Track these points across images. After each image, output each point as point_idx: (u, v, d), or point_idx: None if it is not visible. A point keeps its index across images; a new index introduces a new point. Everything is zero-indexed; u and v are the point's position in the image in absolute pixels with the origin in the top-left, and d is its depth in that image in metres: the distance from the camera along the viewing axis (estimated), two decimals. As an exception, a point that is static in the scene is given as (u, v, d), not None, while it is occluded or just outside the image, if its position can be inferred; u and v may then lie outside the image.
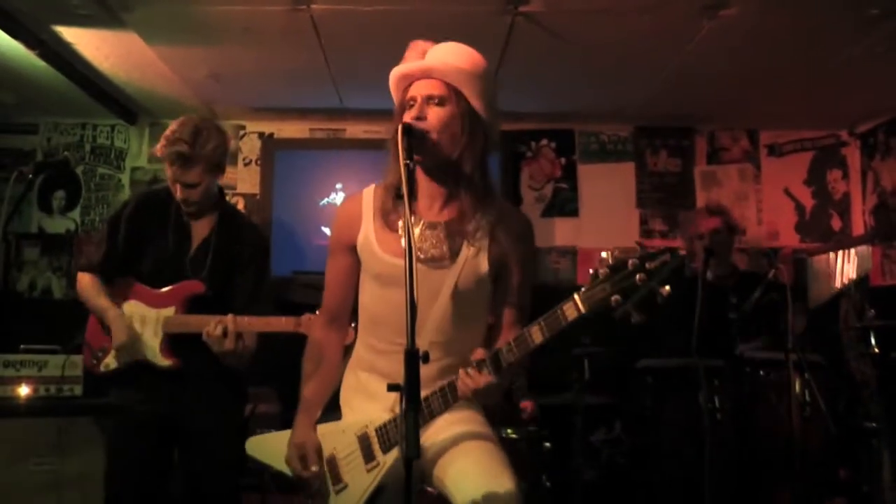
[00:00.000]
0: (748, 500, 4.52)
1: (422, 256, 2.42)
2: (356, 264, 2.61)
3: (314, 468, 2.51)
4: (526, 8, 4.20)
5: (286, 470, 2.61)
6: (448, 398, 2.35)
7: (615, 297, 2.01)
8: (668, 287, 1.98)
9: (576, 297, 2.09)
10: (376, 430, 2.47)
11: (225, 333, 3.40)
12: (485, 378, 2.22)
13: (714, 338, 4.41)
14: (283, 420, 4.80)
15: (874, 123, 6.13)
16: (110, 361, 3.61)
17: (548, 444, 4.44)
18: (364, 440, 2.49)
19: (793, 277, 4.33)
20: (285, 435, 2.66)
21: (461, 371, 2.27)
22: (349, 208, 2.65)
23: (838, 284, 5.52)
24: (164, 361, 3.55)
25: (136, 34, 4.61)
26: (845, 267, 5.44)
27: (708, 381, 4.44)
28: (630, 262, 2.01)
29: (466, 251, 2.45)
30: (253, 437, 2.79)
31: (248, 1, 4.18)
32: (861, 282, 5.38)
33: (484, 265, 2.46)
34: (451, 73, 2.43)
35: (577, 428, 4.44)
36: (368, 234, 2.54)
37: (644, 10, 4.23)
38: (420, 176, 2.50)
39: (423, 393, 2.32)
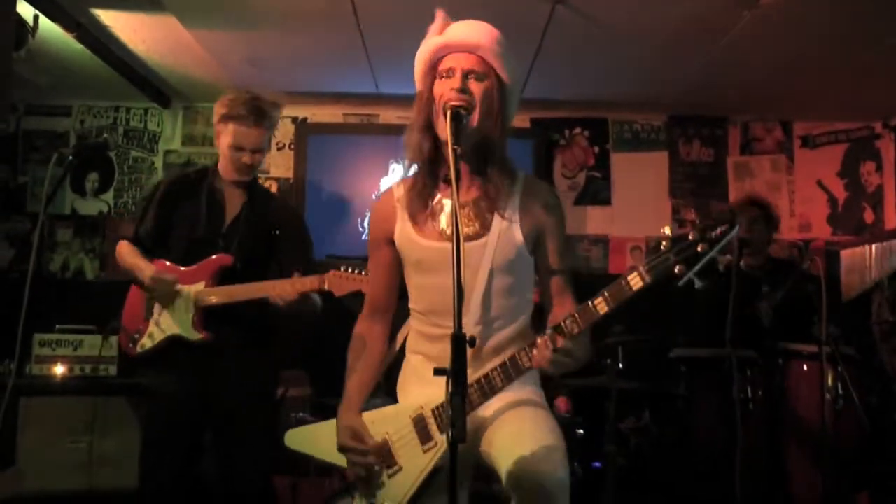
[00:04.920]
0: (778, 491, 4.52)
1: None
2: (396, 257, 2.64)
3: (372, 442, 2.50)
4: (566, -5, 4.19)
5: (330, 459, 2.62)
6: (510, 373, 2.34)
7: (679, 267, 2.07)
8: (728, 256, 2.07)
9: (640, 267, 2.14)
10: (433, 411, 2.46)
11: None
12: (549, 350, 2.22)
13: (746, 328, 4.41)
14: (315, 404, 4.84)
15: (909, 115, 6.08)
16: (146, 342, 3.63)
17: (580, 431, 4.44)
18: (420, 422, 2.48)
19: (825, 270, 4.31)
20: (324, 425, 2.69)
21: (539, 341, 2.26)
22: (382, 204, 2.69)
23: (871, 278, 5.49)
24: (197, 335, 3.57)
25: (174, 17, 4.62)
26: (878, 260, 5.40)
27: (740, 371, 4.44)
28: (691, 232, 2.07)
29: (499, 224, 2.48)
30: (291, 430, 2.77)
31: (288, -16, 4.20)
32: (894, 276, 5.34)
33: (518, 235, 2.49)
34: (492, 50, 2.45)
35: (609, 416, 4.43)
36: (405, 224, 2.57)
37: (684, -2, 4.22)
38: (448, 153, 2.48)
39: (483, 371, 2.37)
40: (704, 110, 6.31)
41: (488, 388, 2.37)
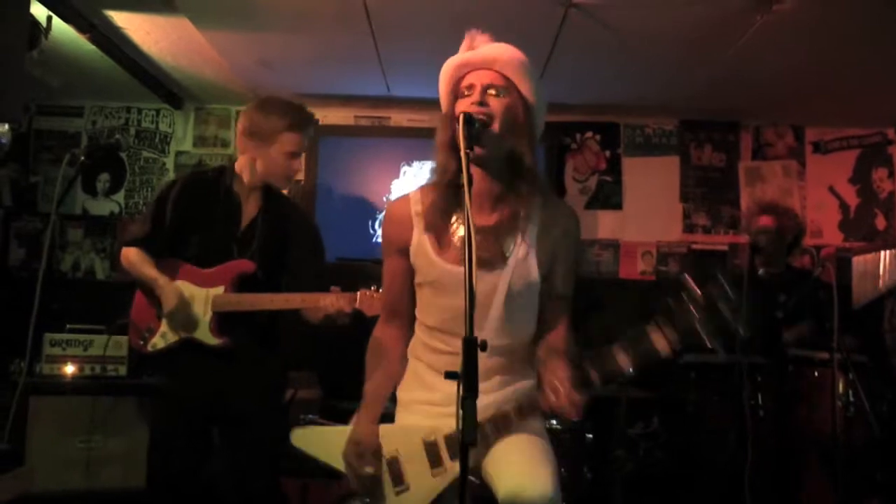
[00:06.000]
0: (787, 498, 4.50)
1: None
2: (409, 267, 2.61)
3: (369, 469, 2.49)
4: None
5: (334, 464, 2.60)
6: (525, 412, 2.42)
7: (711, 343, 2.24)
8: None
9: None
10: (445, 438, 2.46)
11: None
12: (572, 397, 2.30)
13: (759, 335, 4.39)
14: (324, 406, 4.83)
15: (921, 121, 6.06)
16: (157, 341, 3.60)
17: (590, 436, 4.43)
18: (432, 446, 2.48)
19: (836, 276, 4.30)
20: (334, 430, 2.67)
21: (546, 388, 2.35)
22: (397, 212, 2.62)
23: (882, 285, 5.47)
24: (214, 340, 3.54)
25: (187, 19, 4.62)
26: (890, 267, 5.38)
27: (751, 378, 4.43)
28: (721, 306, 2.22)
29: (516, 253, 2.46)
30: (298, 429, 2.74)
31: (302, -14, 4.19)
32: (906, 282, 5.32)
33: (534, 268, 2.47)
34: (511, 65, 2.44)
35: (619, 421, 4.43)
36: (421, 239, 2.53)
37: (698, 2, 4.18)
38: (474, 172, 2.41)
39: (502, 408, 2.44)
40: (716, 115, 6.29)
41: (503, 426, 2.42)
